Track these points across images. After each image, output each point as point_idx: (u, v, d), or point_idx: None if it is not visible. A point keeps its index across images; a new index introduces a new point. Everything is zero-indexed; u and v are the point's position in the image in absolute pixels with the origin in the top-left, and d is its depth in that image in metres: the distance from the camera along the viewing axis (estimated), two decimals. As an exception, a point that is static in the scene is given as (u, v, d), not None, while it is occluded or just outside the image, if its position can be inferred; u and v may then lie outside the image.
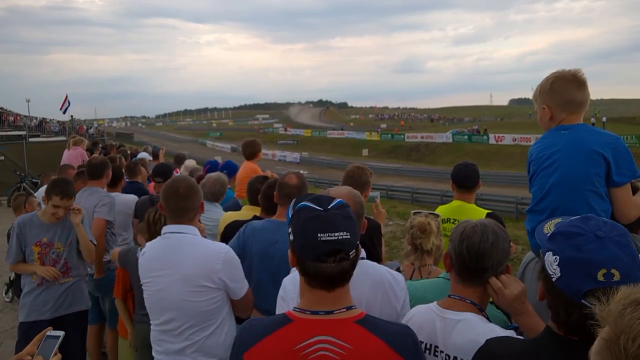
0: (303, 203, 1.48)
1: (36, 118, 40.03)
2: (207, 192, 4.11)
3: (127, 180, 5.68)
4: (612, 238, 1.27)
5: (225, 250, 2.51)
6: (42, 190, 6.23)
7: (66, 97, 25.82)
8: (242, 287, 2.53)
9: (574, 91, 2.39)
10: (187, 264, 2.43)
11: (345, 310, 1.46)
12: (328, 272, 1.42)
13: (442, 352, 1.71)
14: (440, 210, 3.77)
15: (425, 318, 1.77)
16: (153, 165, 6.23)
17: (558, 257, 1.29)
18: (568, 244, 1.29)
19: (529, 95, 2.60)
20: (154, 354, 2.60)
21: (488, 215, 3.45)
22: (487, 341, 1.50)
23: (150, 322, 2.60)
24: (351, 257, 1.44)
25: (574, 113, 2.41)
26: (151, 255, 2.56)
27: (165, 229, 2.57)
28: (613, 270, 1.22)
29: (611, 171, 2.24)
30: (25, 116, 41.14)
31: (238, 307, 2.62)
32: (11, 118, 37.29)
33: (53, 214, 3.78)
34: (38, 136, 28.75)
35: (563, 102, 2.40)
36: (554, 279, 1.29)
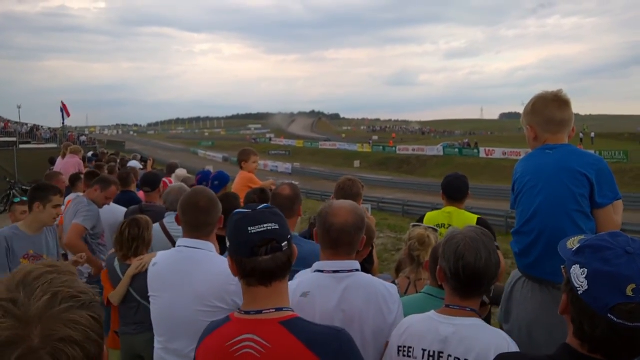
0: (235, 211, 1.62)
1: (27, 125, 39.69)
2: (173, 201, 3.86)
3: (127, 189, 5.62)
4: None
5: None
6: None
7: (63, 105, 25.27)
8: None
9: (554, 110, 2.43)
10: (200, 281, 2.31)
11: (274, 311, 1.54)
12: (264, 267, 1.51)
13: (450, 356, 1.74)
14: (432, 215, 3.82)
15: (426, 326, 1.82)
16: (142, 174, 6.19)
17: (586, 270, 1.26)
18: (596, 257, 1.26)
19: (520, 109, 2.65)
20: None
21: (478, 220, 3.53)
22: (500, 356, 1.50)
23: (155, 337, 2.48)
24: (284, 249, 1.53)
25: (557, 132, 2.45)
26: (163, 267, 2.46)
27: (180, 241, 2.48)
28: None
29: (594, 192, 2.27)
30: (16, 122, 40.80)
31: None
32: (2, 124, 37.04)
33: (55, 217, 3.85)
34: (29, 143, 28.52)
35: (544, 122, 2.45)
36: (580, 292, 1.26)
